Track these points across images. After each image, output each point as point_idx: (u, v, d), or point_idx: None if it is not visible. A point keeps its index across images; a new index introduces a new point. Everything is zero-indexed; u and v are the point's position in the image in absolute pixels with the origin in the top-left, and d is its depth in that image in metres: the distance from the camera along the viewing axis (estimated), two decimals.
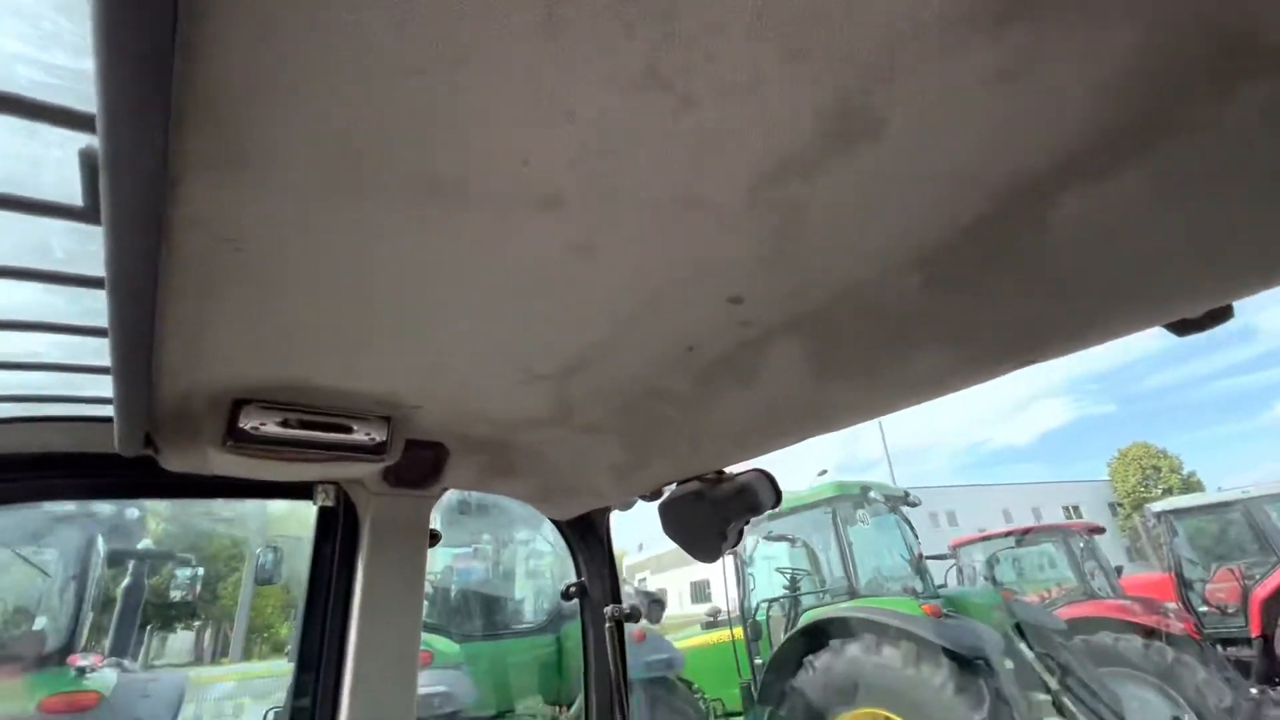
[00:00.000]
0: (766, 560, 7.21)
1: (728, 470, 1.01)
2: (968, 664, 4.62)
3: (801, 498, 6.48)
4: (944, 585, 7.57)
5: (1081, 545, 7.65)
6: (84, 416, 0.89)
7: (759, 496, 0.97)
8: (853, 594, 5.75)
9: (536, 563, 6.11)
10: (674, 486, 1.10)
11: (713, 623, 7.31)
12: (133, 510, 4.56)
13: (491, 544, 6.03)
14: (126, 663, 4.20)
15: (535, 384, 0.90)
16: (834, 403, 0.81)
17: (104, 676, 3.68)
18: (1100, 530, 8.19)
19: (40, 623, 4.32)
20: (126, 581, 4.93)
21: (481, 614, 5.22)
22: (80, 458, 0.90)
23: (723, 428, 0.94)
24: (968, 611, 5.54)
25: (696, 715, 5.32)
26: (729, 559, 7.07)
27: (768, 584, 7.02)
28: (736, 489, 0.98)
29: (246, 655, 15.93)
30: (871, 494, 6.23)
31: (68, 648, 4.05)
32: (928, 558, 6.88)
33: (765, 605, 6.63)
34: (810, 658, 5.28)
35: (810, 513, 6.38)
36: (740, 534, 1.01)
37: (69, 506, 4.10)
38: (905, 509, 6.63)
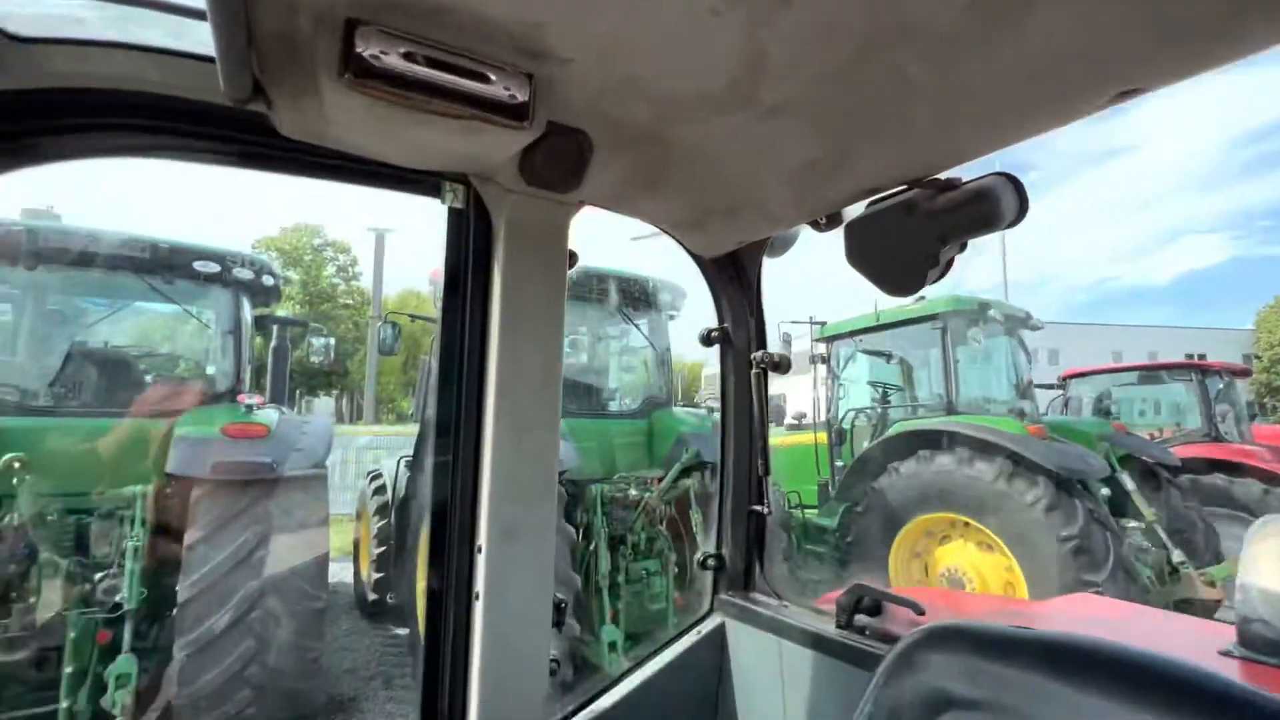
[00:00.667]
0: (858, 373, 7.14)
1: (944, 175, 0.78)
2: (1064, 485, 4.54)
3: (909, 311, 6.13)
4: (1045, 415, 7.30)
5: (1220, 386, 6.99)
6: (187, 53, 0.76)
7: (998, 206, 0.74)
8: (950, 411, 5.64)
9: (629, 359, 6.32)
10: (861, 208, 0.89)
11: (796, 425, 7.55)
12: (268, 278, 4.96)
13: (587, 337, 6.24)
14: (284, 409, 4.85)
15: (718, 25, 0.66)
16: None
17: (268, 414, 4.29)
18: (1246, 373, 7.40)
19: (210, 369, 5.01)
20: (274, 343, 5.55)
21: (579, 397, 5.58)
22: (185, 105, 0.79)
23: (974, 98, 0.69)
24: (1072, 438, 5.33)
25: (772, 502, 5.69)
26: (820, 369, 7.04)
27: (857, 396, 7.03)
28: (967, 197, 0.75)
29: (376, 419, 18.55)
30: (991, 312, 5.78)
31: (234, 391, 4.72)
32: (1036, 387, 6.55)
33: (853, 415, 6.69)
34: (896, 464, 5.37)
35: (917, 327, 6.07)
36: (950, 264, 0.81)
37: (213, 267, 4.49)
38: (1023, 333, 6.17)
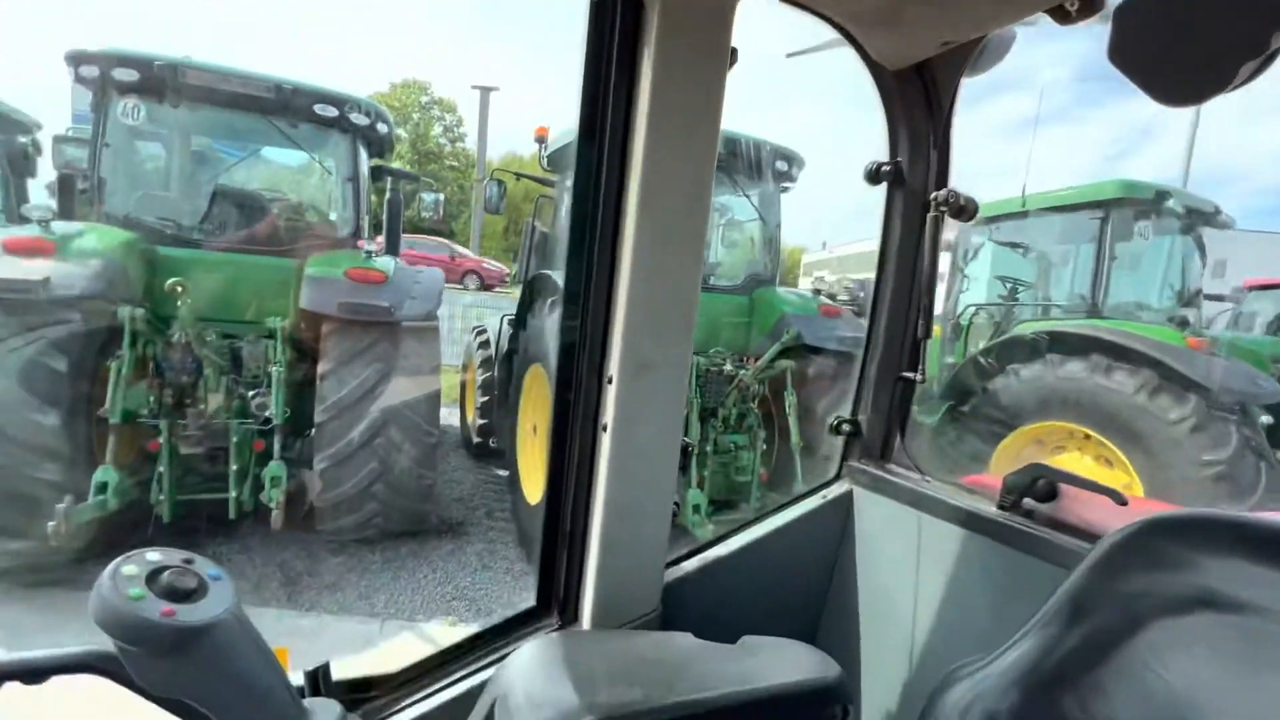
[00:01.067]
0: (984, 266, 6.47)
1: None
2: (1219, 406, 4.02)
3: (1066, 196, 5.33)
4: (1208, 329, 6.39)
5: None
6: None
7: None
8: (1093, 314, 5.03)
9: (734, 234, 6.02)
10: None
11: None
12: (382, 125, 4.99)
13: None
14: (397, 261, 5.07)
15: None
16: None
17: (385, 262, 4.51)
18: None
19: (333, 215, 5.27)
20: (388, 195, 5.71)
21: None
22: None
23: None
24: (1241, 356, 4.65)
25: None
26: (943, 257, 6.42)
27: (981, 291, 6.42)
28: None
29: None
30: (1170, 203, 4.90)
31: (355, 236, 4.96)
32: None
33: (973, 310, 6.15)
34: (1016, 366, 4.95)
35: (1072, 215, 5.30)
36: (1273, 57, 0.58)
37: (332, 111, 4.56)
38: (1206, 230, 5.24)
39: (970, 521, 1.04)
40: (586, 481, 0.98)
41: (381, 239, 5.42)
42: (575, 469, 0.98)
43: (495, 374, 6.12)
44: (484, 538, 4.85)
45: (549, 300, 4.42)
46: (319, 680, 0.75)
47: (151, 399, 3.76)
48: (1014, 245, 6.19)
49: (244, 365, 4.13)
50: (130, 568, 0.51)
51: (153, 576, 0.51)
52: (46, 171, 5.72)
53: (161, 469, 3.76)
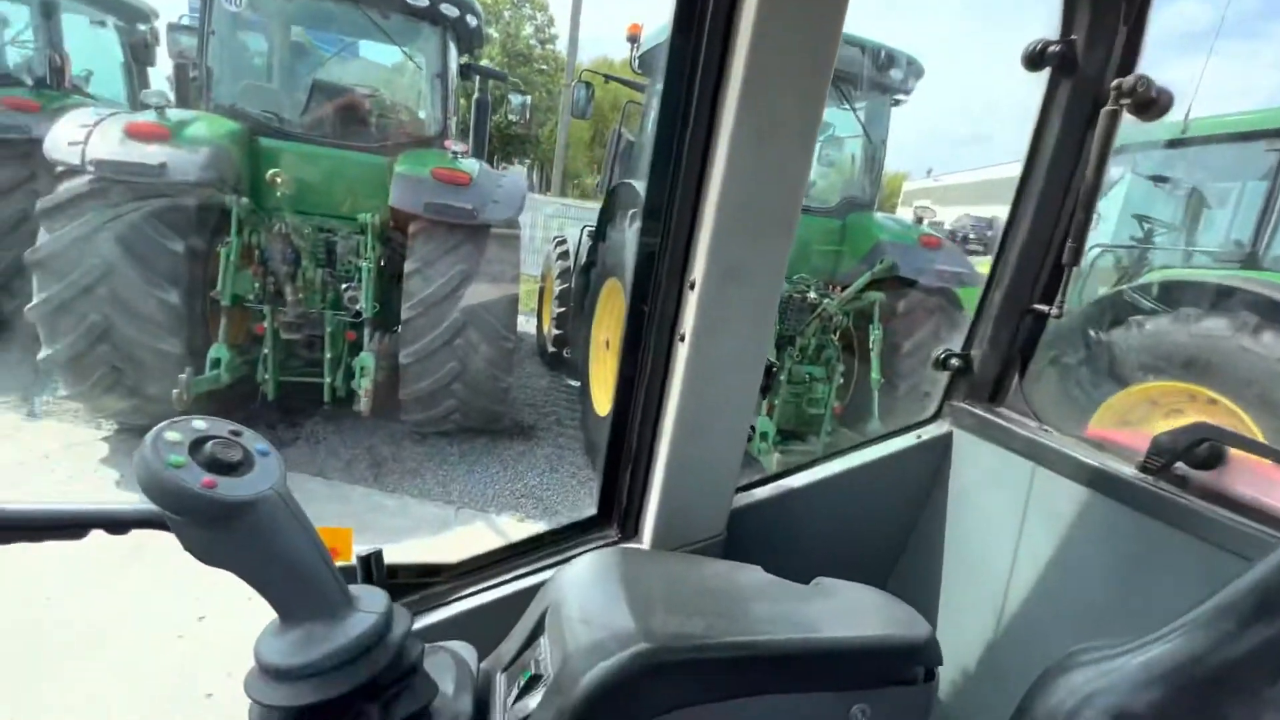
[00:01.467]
0: (1118, 201, 5.70)
1: None
2: None
3: (1241, 122, 4.52)
4: None
5: None
6: None
7: None
8: (1250, 263, 4.38)
9: (831, 151, 5.56)
10: None
11: None
12: (471, 18, 4.83)
13: None
14: (481, 164, 5.03)
15: None
16: None
17: (470, 164, 4.48)
18: None
19: (422, 114, 5.25)
20: (476, 95, 5.61)
21: None
22: None
23: None
24: None
25: (955, 327, 5.07)
26: None
27: (1108, 230, 5.71)
28: None
29: (563, 192, 19.25)
30: None
31: (442, 136, 4.94)
32: None
33: (1098, 250, 5.50)
34: (1139, 317, 4.43)
35: (1245, 145, 4.51)
36: None
37: (422, 1, 4.43)
38: None
39: (1100, 481, 0.91)
40: (658, 393, 0.92)
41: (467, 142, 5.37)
42: (647, 379, 0.92)
43: (572, 285, 6.13)
44: (553, 443, 5.04)
45: (630, 211, 4.29)
46: (371, 567, 0.75)
47: (256, 285, 4.02)
48: (1159, 179, 5.39)
49: (338, 258, 4.31)
50: (173, 434, 0.48)
51: (196, 445, 0.49)
52: (166, 61, 5.96)
53: (266, 351, 4.06)
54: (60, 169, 3.63)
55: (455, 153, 4.41)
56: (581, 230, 6.43)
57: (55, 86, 5.74)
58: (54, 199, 3.54)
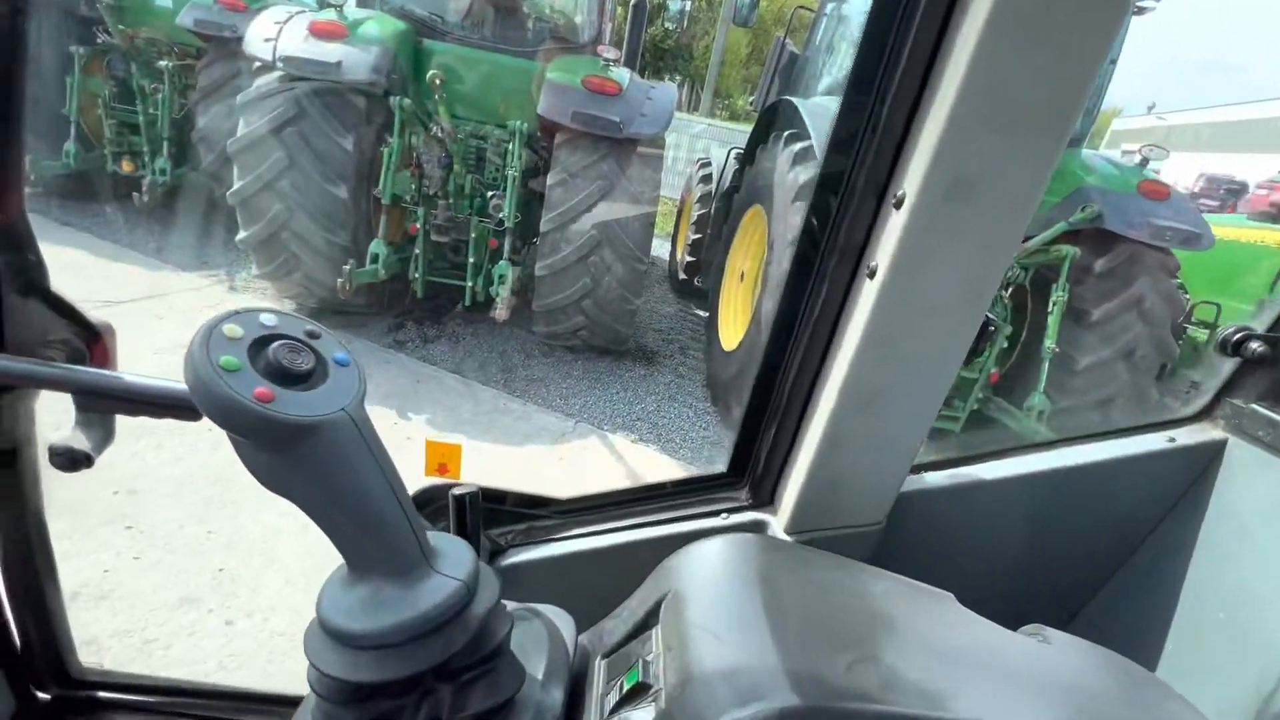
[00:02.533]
0: None
1: None
2: None
3: None
4: None
5: None
6: None
7: None
8: None
9: None
10: None
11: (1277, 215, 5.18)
12: None
13: None
14: (632, 74, 4.80)
15: None
16: None
17: (621, 73, 4.29)
18: None
19: (578, 18, 5.07)
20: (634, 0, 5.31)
21: None
22: None
23: None
24: None
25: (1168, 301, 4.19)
26: None
27: None
28: None
29: (712, 112, 18.37)
30: None
31: (596, 42, 4.76)
32: None
33: None
34: None
35: None
36: None
37: None
38: None
39: None
40: (825, 339, 0.75)
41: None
42: (814, 322, 0.75)
43: (712, 211, 5.86)
44: (674, 371, 4.99)
45: (786, 132, 3.91)
46: (465, 510, 0.66)
47: (413, 186, 4.21)
48: None
49: (486, 165, 4.39)
50: (233, 327, 0.39)
51: (257, 345, 0.39)
52: None
53: (417, 251, 4.30)
54: (257, 64, 3.94)
55: (607, 60, 4.23)
56: (728, 153, 6.06)
57: None
58: (250, 93, 3.87)
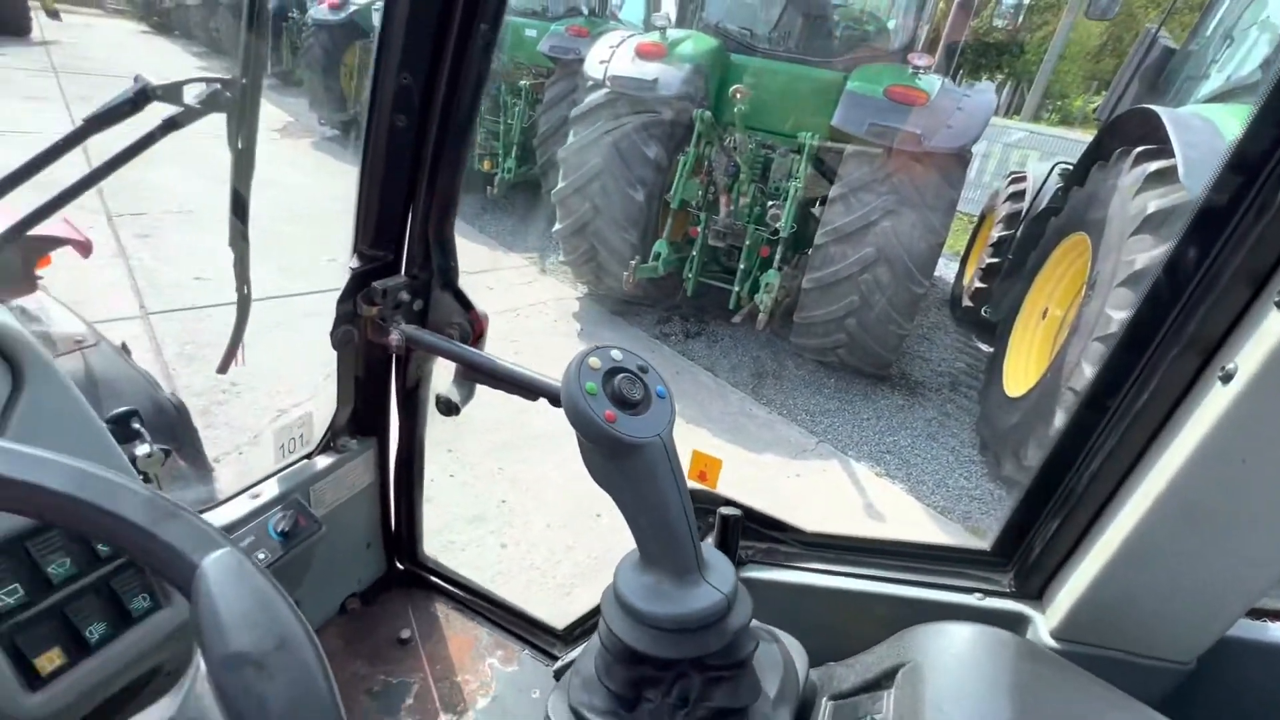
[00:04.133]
0: None
1: None
2: None
3: None
4: None
5: None
6: None
7: None
8: None
9: None
10: None
11: None
12: None
13: None
14: (944, 80, 4.40)
15: None
16: None
17: (931, 81, 3.98)
18: None
19: (891, 23, 4.83)
20: None
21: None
22: None
23: None
24: None
25: None
26: None
27: None
28: None
29: (1037, 115, 15.82)
30: None
31: (908, 48, 4.48)
32: None
33: None
34: None
35: None
36: None
37: None
38: None
39: None
40: (1148, 434, 0.64)
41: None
42: (1135, 411, 0.64)
43: (1017, 234, 5.11)
44: (939, 407, 4.52)
45: (1139, 149, 3.21)
46: (727, 528, 0.74)
47: (699, 193, 4.51)
48: None
49: (770, 175, 4.48)
50: (595, 360, 0.53)
51: (609, 375, 0.53)
52: None
53: (694, 253, 4.60)
54: (590, 83, 4.61)
55: (918, 68, 3.96)
56: (1051, 167, 5.20)
57: (600, 14, 7.23)
58: (581, 107, 4.55)
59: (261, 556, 0.89)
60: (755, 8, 5.10)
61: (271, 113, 10.11)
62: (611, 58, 4.44)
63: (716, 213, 4.50)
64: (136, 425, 0.83)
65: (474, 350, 0.92)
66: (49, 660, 0.60)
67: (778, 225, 4.19)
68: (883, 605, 0.69)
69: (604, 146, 4.38)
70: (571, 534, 2.83)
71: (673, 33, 4.58)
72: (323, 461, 1.01)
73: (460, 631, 1.18)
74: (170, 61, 13.76)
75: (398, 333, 0.90)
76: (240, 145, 0.86)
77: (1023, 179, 5.66)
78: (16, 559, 0.59)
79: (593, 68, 4.56)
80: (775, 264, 4.27)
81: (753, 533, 0.88)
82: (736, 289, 4.48)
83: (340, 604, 1.17)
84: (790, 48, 4.76)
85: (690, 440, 3.53)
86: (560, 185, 4.59)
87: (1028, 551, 0.75)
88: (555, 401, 0.82)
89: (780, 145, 4.46)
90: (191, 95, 0.85)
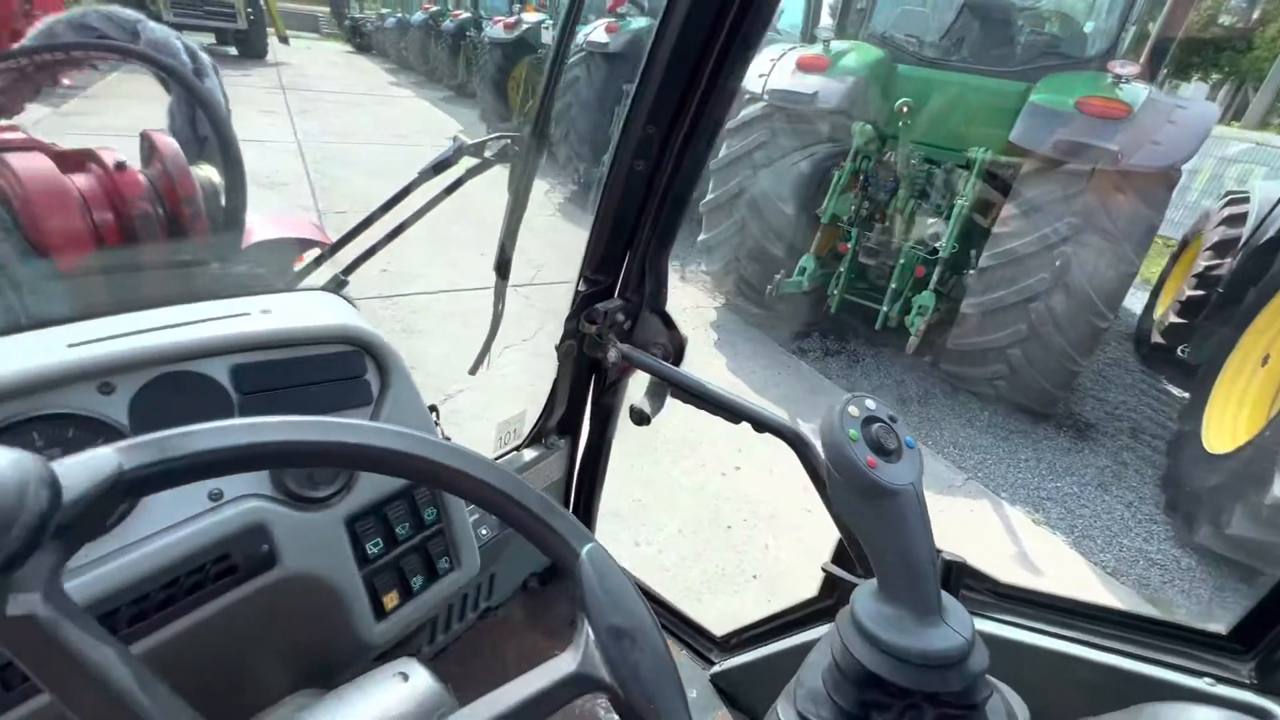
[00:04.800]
0: None
1: None
2: None
3: None
4: None
5: None
6: None
7: None
8: None
9: None
10: None
11: None
12: None
13: None
14: (1151, 90, 3.91)
15: None
16: None
17: (1134, 91, 3.56)
18: None
19: (1087, 26, 4.38)
20: None
21: None
22: None
23: None
24: None
25: None
26: None
27: None
28: None
29: (1263, 124, 13.44)
30: None
31: (1108, 54, 4.03)
32: None
33: None
34: None
35: None
36: None
37: None
38: None
39: None
40: None
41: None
42: None
43: (1234, 264, 4.42)
44: (1114, 455, 4.03)
45: None
46: (950, 573, 0.76)
47: (852, 208, 4.38)
48: None
49: (933, 192, 4.25)
50: (854, 409, 0.57)
51: (866, 423, 0.57)
52: None
53: (841, 269, 4.48)
54: (746, 96, 4.65)
55: (1119, 76, 3.56)
56: None
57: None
58: (737, 120, 4.59)
59: (484, 533, 1.06)
60: (926, 16, 4.84)
61: (445, 121, 11.22)
62: (771, 70, 4.44)
63: (869, 229, 4.35)
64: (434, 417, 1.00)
65: (682, 371, 1.00)
66: (390, 599, 0.80)
67: (937, 245, 3.96)
68: (1091, 672, 0.67)
69: (756, 160, 4.40)
70: (702, 541, 2.89)
71: (836, 44, 4.49)
72: (529, 454, 1.16)
73: None
74: (367, 77, 15.71)
75: (615, 350, 1.01)
76: (517, 189, 1.02)
77: (1244, 200, 4.87)
78: (379, 519, 0.78)
79: (751, 81, 4.59)
80: (931, 285, 4.04)
81: (968, 585, 0.88)
82: (885, 309, 4.29)
83: (522, 582, 1.32)
84: (964, 57, 4.47)
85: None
86: (709, 197, 4.67)
87: (1277, 643, 0.69)
88: (758, 427, 0.88)
89: (946, 160, 4.21)
90: (491, 150, 1.02)
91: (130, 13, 1.19)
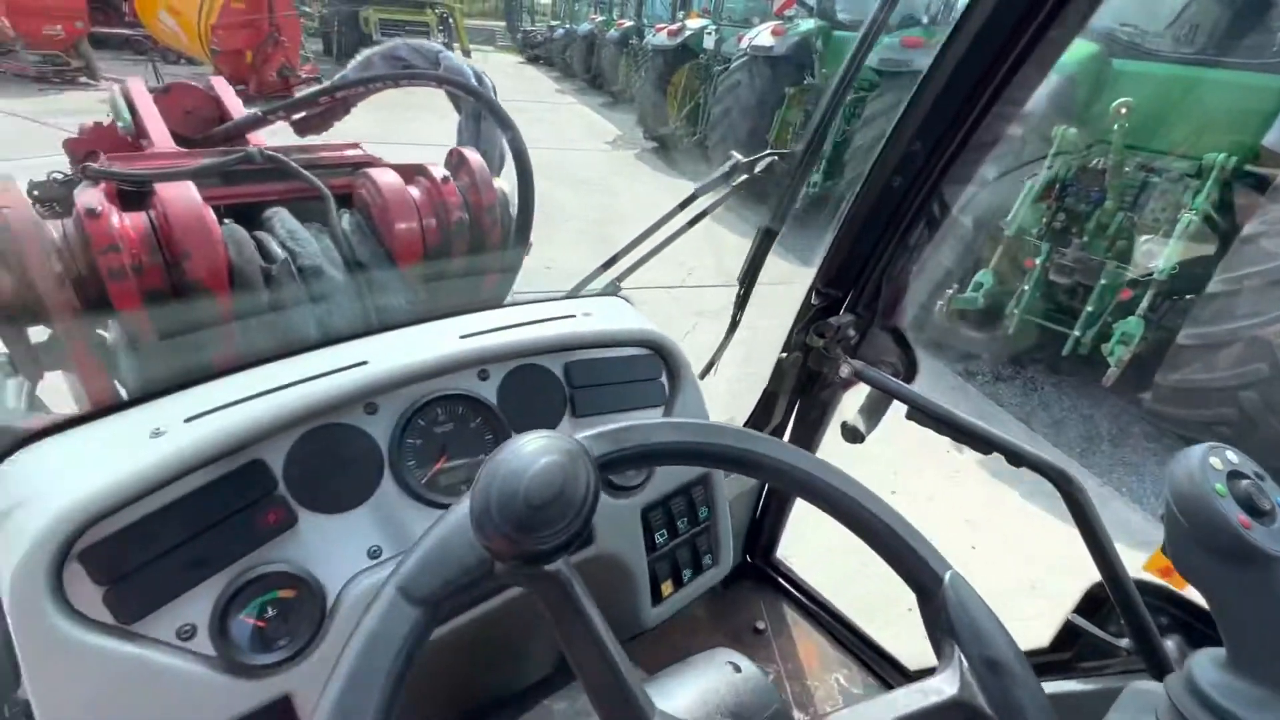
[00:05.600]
0: None
1: None
2: None
3: None
4: None
5: None
6: None
7: None
8: None
9: None
10: None
11: None
12: None
13: None
14: None
15: None
16: None
17: None
18: None
19: None
20: None
21: None
22: None
23: None
24: None
25: None
26: None
27: None
28: None
29: None
30: None
31: None
32: None
33: None
34: None
35: None
36: None
37: None
38: None
39: None
40: None
41: None
42: None
43: None
44: None
45: None
46: None
47: (1043, 220, 3.95)
48: None
49: (1148, 204, 3.71)
50: (1217, 460, 0.52)
51: (1232, 477, 0.51)
52: None
53: (1025, 287, 4.05)
54: None
55: None
56: None
57: (945, 20, 6.77)
58: None
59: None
60: (1150, 2, 4.24)
61: (604, 126, 11.71)
62: None
63: (1064, 244, 3.90)
64: None
65: (920, 394, 0.96)
66: (667, 586, 0.87)
67: (1154, 264, 3.46)
68: None
69: None
70: (857, 563, 2.76)
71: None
72: None
73: (806, 636, 1.26)
74: (533, 84, 16.86)
75: (847, 366, 1.00)
76: (780, 204, 1.05)
77: None
78: (665, 511, 0.86)
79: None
80: (1139, 311, 3.53)
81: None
82: (1076, 334, 3.82)
83: None
84: (1201, 47, 3.85)
85: (997, 504, 3.14)
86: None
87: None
88: (1014, 460, 0.83)
89: (1170, 168, 3.66)
90: (760, 166, 1.06)
91: (431, 44, 1.38)
